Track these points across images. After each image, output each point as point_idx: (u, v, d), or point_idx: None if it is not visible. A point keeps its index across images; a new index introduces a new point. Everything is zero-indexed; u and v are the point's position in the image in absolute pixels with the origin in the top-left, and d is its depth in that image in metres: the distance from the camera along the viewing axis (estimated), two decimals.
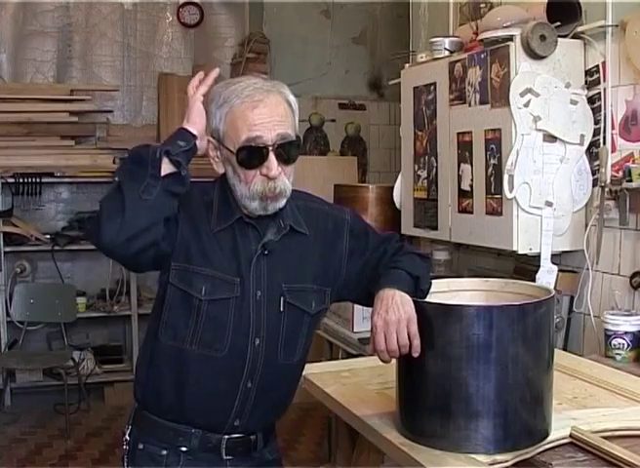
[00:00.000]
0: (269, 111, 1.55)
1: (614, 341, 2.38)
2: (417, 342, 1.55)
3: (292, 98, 1.61)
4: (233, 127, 1.56)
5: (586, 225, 2.73)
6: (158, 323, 1.63)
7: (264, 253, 1.62)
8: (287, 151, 1.57)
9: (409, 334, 1.55)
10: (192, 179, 1.57)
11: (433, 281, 1.77)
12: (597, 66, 2.66)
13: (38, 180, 4.82)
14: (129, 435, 1.69)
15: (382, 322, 1.55)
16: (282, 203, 1.61)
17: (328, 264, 1.71)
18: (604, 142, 2.64)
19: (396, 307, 1.56)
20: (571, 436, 1.61)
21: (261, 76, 1.64)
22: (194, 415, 1.62)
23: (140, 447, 1.66)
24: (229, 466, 1.66)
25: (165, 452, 1.64)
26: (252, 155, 1.55)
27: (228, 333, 1.59)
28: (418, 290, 1.65)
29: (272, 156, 1.55)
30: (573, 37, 2.69)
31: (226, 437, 1.64)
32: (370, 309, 1.63)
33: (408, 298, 1.59)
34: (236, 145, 1.55)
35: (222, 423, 1.63)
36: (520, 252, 2.68)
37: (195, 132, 1.56)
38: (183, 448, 1.62)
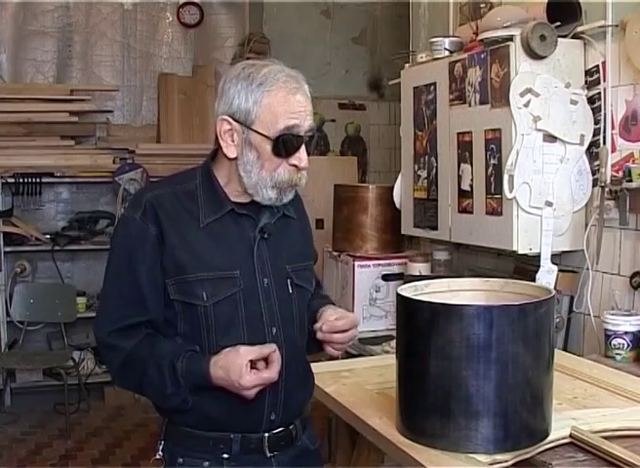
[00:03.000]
0: (305, 101, 1.53)
1: (614, 341, 2.38)
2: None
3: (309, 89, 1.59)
4: (270, 112, 1.51)
5: (586, 225, 2.73)
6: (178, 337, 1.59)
7: (264, 236, 1.60)
8: (310, 143, 1.57)
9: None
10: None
11: (433, 281, 1.78)
12: (597, 66, 2.66)
13: (38, 180, 4.83)
14: (162, 450, 1.63)
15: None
16: (293, 194, 1.61)
17: (310, 239, 1.76)
18: (604, 142, 2.64)
19: None
20: (571, 436, 1.61)
21: (279, 62, 1.59)
22: (230, 421, 1.57)
23: (180, 460, 1.60)
24: (274, 463, 1.63)
25: (207, 463, 1.59)
26: (289, 144, 1.52)
27: (243, 331, 1.56)
28: None
29: (304, 147, 1.54)
30: (573, 37, 2.69)
31: (267, 434, 1.60)
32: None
33: None
34: (271, 131, 1.51)
35: (259, 421, 1.59)
36: (520, 252, 2.68)
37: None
38: (225, 456, 1.58)
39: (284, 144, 1.51)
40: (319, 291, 1.82)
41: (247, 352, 1.49)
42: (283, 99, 1.50)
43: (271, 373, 1.49)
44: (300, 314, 1.65)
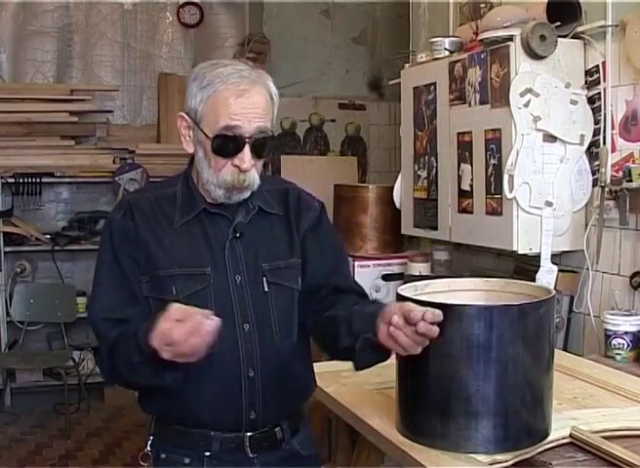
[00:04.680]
0: (252, 102, 1.53)
1: (614, 341, 2.38)
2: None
3: (274, 91, 1.59)
4: (213, 112, 1.53)
5: (586, 225, 2.73)
6: None
7: (236, 236, 1.61)
8: (262, 146, 1.56)
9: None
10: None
11: (433, 281, 1.77)
12: (597, 66, 2.66)
13: (38, 180, 4.83)
14: (150, 445, 1.65)
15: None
16: (247, 194, 1.60)
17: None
18: (604, 142, 2.64)
19: None
20: (571, 436, 1.61)
21: (249, 63, 1.60)
22: (207, 418, 1.58)
23: (163, 456, 1.63)
24: (257, 464, 1.62)
25: (188, 460, 1.60)
26: (227, 144, 1.53)
27: None
28: None
29: (247, 148, 1.54)
30: (573, 37, 2.69)
31: (248, 434, 1.60)
32: None
33: None
34: (213, 131, 1.53)
35: (238, 419, 1.59)
36: (520, 252, 2.68)
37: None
38: (206, 453, 1.59)
39: (220, 144, 1.53)
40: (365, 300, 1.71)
41: (177, 308, 1.41)
42: (225, 100, 1.52)
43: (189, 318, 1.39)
44: (282, 313, 1.63)
